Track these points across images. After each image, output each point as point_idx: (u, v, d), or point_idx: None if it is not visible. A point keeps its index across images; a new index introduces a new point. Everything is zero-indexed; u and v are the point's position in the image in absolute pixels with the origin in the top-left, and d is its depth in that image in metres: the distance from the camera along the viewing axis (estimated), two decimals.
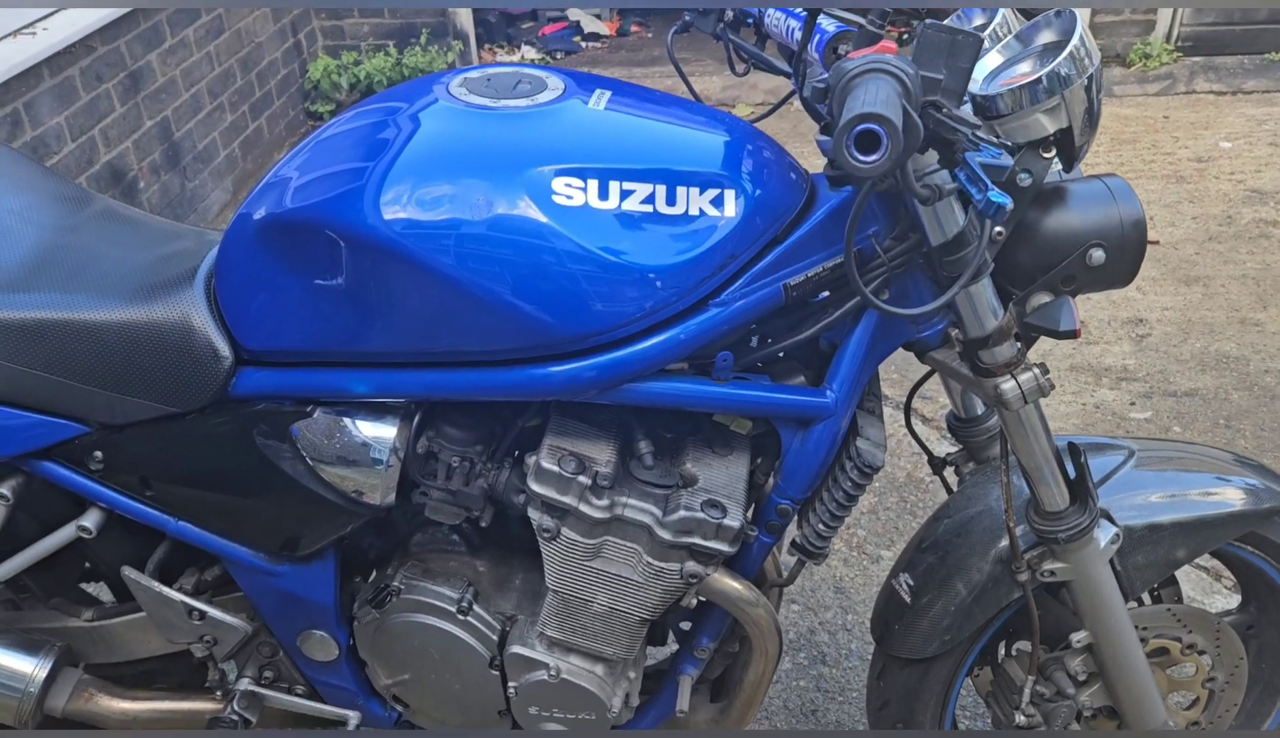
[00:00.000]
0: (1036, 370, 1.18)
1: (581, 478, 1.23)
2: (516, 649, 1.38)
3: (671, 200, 1.14)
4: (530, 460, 1.25)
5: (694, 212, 1.15)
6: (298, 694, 1.57)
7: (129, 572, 1.46)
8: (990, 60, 1.17)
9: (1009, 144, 0.93)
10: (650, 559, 1.27)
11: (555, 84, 1.24)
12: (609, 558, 1.28)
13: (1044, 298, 1.18)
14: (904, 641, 1.46)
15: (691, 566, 1.27)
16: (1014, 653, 1.54)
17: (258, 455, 1.31)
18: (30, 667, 1.52)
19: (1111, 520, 1.34)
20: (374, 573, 1.51)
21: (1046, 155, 1.09)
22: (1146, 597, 1.53)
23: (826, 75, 1.06)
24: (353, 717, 1.55)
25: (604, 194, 1.13)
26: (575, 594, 1.31)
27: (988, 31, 1.22)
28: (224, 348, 1.28)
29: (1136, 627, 1.41)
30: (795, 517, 1.35)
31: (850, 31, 1.02)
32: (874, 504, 2.50)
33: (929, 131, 0.90)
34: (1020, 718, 1.45)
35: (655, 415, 1.30)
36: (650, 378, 1.21)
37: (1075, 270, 1.15)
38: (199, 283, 1.31)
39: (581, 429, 1.28)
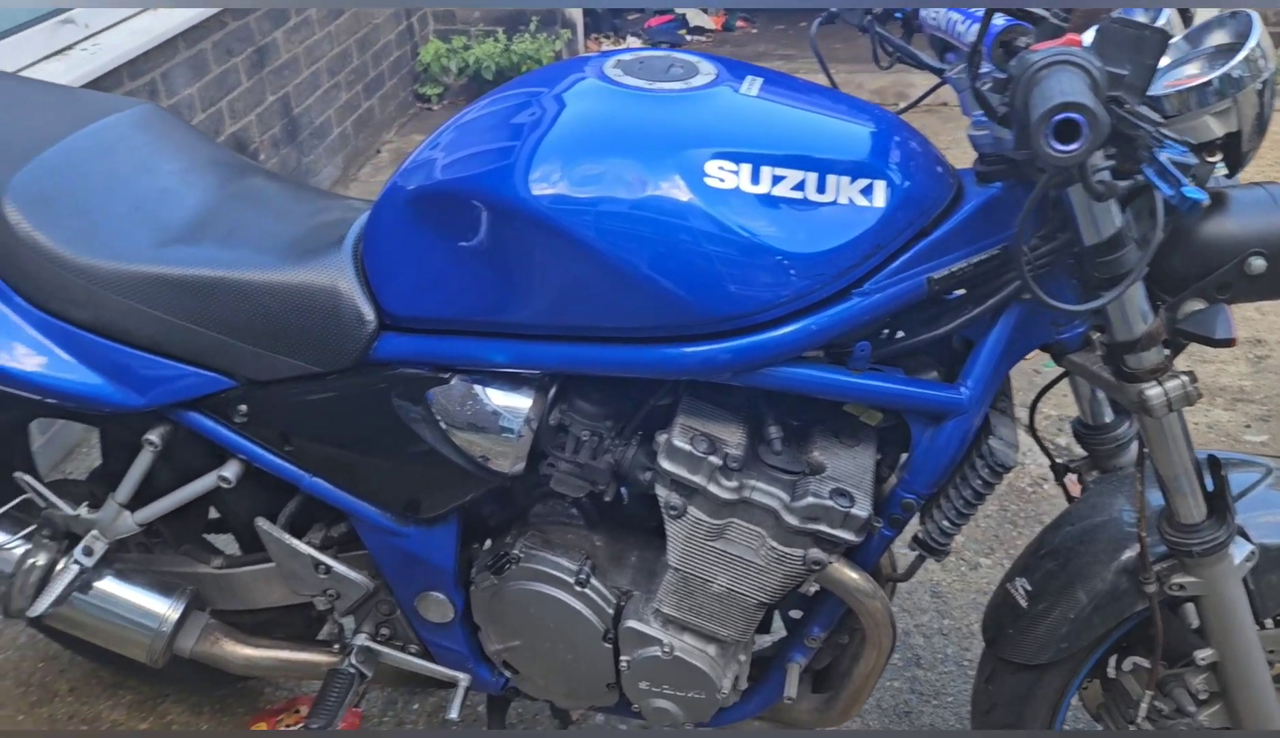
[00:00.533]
0: (1185, 378, 1.16)
1: (712, 458, 1.24)
2: (632, 624, 1.40)
3: (822, 188, 1.15)
4: (661, 438, 1.27)
5: (843, 200, 1.15)
6: (411, 653, 1.61)
7: (262, 523, 1.51)
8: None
9: (1192, 142, 0.92)
10: (774, 543, 1.28)
11: (707, 69, 1.25)
12: (733, 539, 1.29)
13: (1197, 305, 1.15)
14: (1018, 645, 1.45)
15: (815, 553, 1.28)
16: (1128, 668, 1.51)
17: (394, 418, 1.35)
18: (164, 607, 1.59)
19: (1247, 538, 1.31)
20: (491, 541, 1.55)
21: (1211, 160, 1.07)
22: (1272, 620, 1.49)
23: (991, 69, 1.05)
24: (462, 679, 1.59)
25: (756, 179, 1.14)
26: (696, 573, 1.32)
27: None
28: (368, 312, 1.32)
29: (1265, 650, 1.37)
30: (917, 512, 1.34)
31: (1022, 26, 1.01)
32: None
33: (1110, 127, 0.89)
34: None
35: (785, 401, 1.31)
36: (786, 363, 1.22)
37: (1232, 278, 1.13)
38: (347, 249, 1.36)
39: (713, 411, 1.30)
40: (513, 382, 1.31)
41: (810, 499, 1.24)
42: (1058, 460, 1.55)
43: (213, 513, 1.79)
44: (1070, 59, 0.86)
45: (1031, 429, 1.55)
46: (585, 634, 1.44)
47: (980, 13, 1.12)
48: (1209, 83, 1.04)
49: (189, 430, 1.46)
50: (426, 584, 1.50)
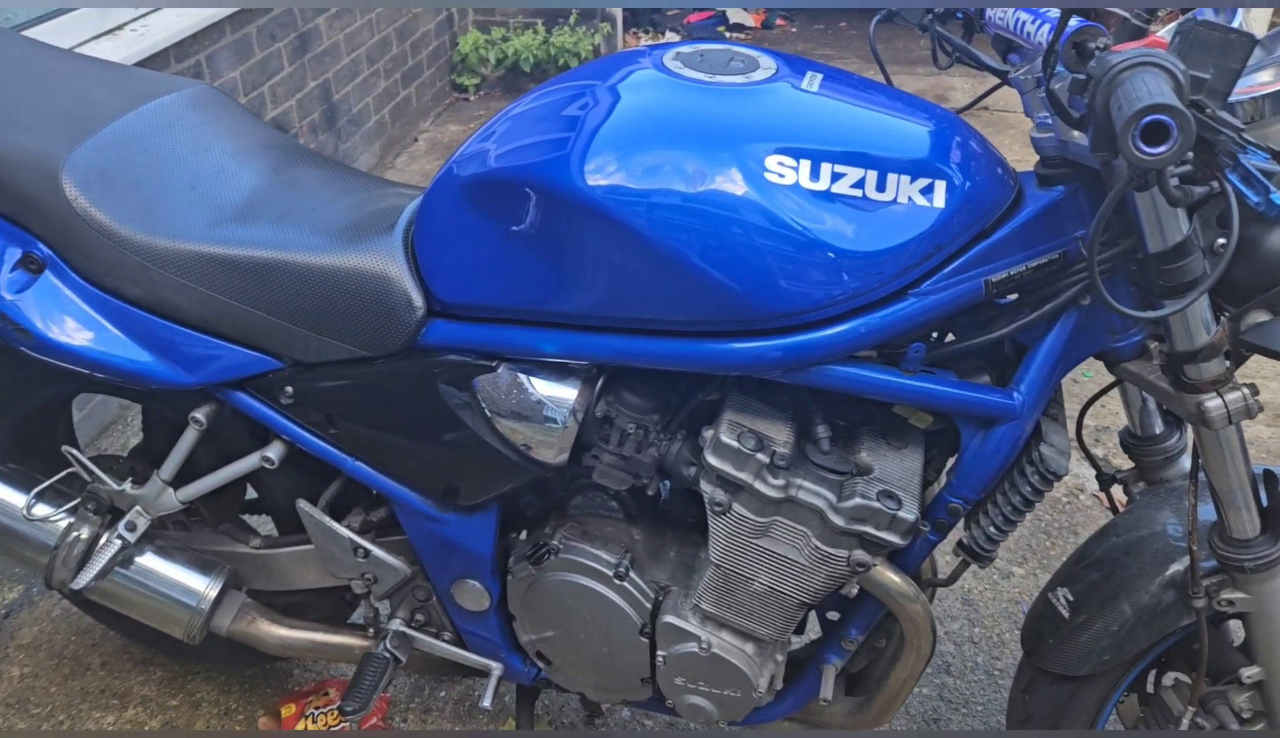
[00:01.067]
0: (1246, 390, 1.14)
1: (760, 456, 1.23)
2: (670, 619, 1.40)
3: (882, 187, 1.14)
4: (708, 434, 1.26)
5: (903, 200, 1.14)
6: (445, 640, 1.62)
7: (304, 505, 1.52)
8: None
9: (1275, 149, 0.90)
10: (819, 544, 1.27)
11: (767, 64, 1.24)
12: (777, 538, 1.29)
13: (1262, 316, 1.13)
14: (1058, 656, 1.43)
15: (859, 554, 1.27)
16: (1169, 683, 1.49)
17: (439, 405, 1.35)
18: (203, 585, 1.60)
19: None
20: (529, 531, 1.55)
21: None
22: None
23: (1061, 71, 1.04)
24: (495, 668, 1.60)
25: (815, 175, 1.13)
26: (738, 570, 1.32)
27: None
28: (418, 298, 1.32)
29: None
30: (963, 517, 1.33)
31: (1096, 27, 1.00)
32: None
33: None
34: None
35: (833, 400, 1.30)
36: (837, 362, 1.21)
37: None
38: (398, 234, 1.36)
39: (760, 408, 1.29)
40: (559, 372, 1.31)
41: (857, 500, 1.23)
42: (1104, 471, 1.53)
43: (250, 494, 1.80)
44: (1155, 61, 0.84)
45: (1079, 438, 1.54)
46: (622, 628, 1.43)
47: (1051, 13, 1.11)
48: None
49: (233, 410, 1.46)
50: (463, 572, 1.50)
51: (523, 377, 1.32)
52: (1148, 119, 0.80)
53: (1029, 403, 1.23)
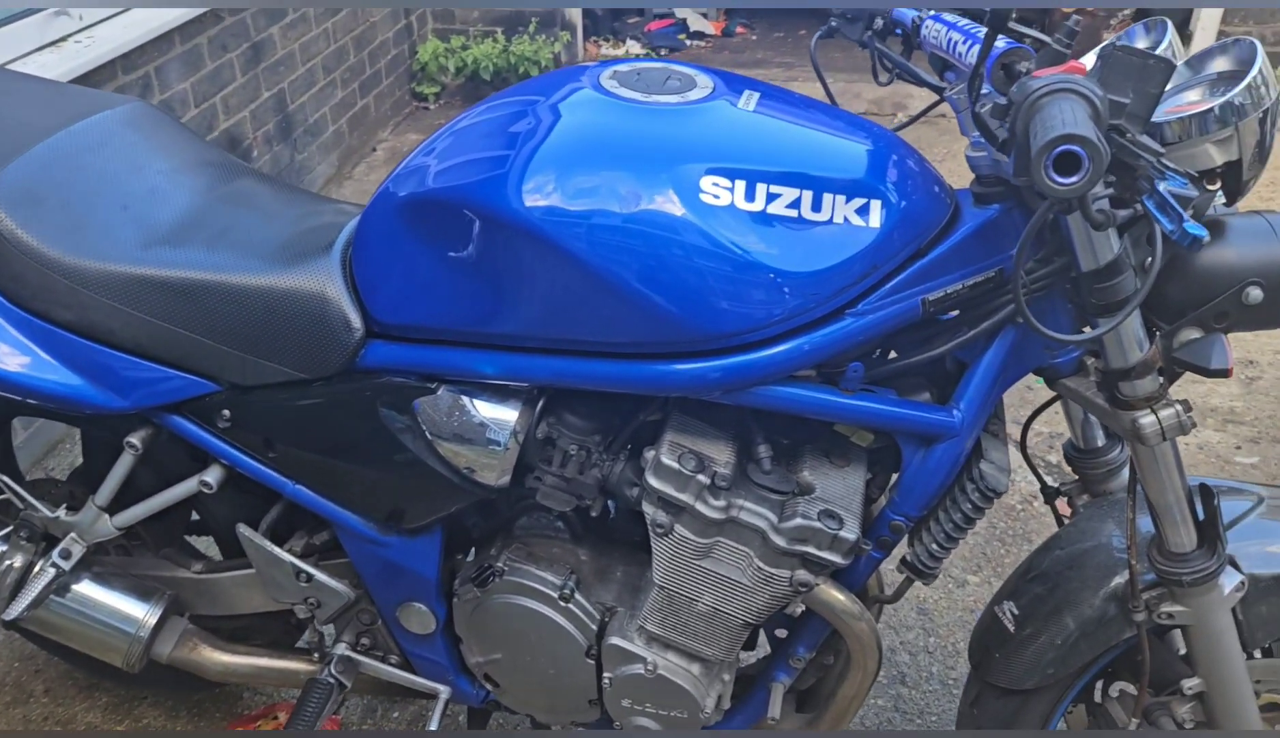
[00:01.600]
0: (1179, 407, 1.15)
1: (700, 477, 1.22)
2: (615, 641, 1.38)
3: (817, 207, 1.13)
4: (649, 455, 1.26)
5: (839, 220, 1.14)
6: (391, 664, 1.60)
7: (244, 529, 1.50)
8: None
9: (1194, 174, 0.91)
10: (761, 564, 1.26)
11: (705, 83, 1.24)
12: (719, 559, 1.28)
13: (1193, 334, 1.14)
14: (1004, 670, 1.43)
15: (802, 574, 1.26)
16: (1114, 694, 1.50)
17: (379, 427, 1.33)
18: (142, 612, 1.57)
19: (1237, 568, 1.30)
20: (475, 552, 1.53)
21: (1211, 188, 1.06)
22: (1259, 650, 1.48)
23: (991, 91, 1.04)
24: (443, 690, 1.58)
25: (750, 196, 1.13)
26: (681, 592, 1.31)
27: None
28: (356, 319, 1.30)
29: (1251, 680, 1.36)
30: (906, 534, 1.33)
31: (1023, 49, 1.00)
32: None
33: (1111, 157, 0.88)
34: None
35: (775, 420, 1.30)
36: (777, 382, 1.21)
37: (1230, 308, 1.11)
38: (336, 255, 1.34)
39: (702, 428, 1.28)
40: (500, 393, 1.30)
41: (799, 521, 1.23)
42: (1048, 482, 1.54)
43: (195, 515, 1.77)
44: (1072, 87, 0.84)
45: (1023, 449, 1.54)
46: (568, 650, 1.42)
47: (982, 34, 1.11)
48: (1210, 110, 1.03)
49: (171, 434, 1.44)
50: (408, 595, 1.48)
51: (463, 398, 1.30)
52: (1059, 149, 0.80)
53: (968, 420, 1.23)
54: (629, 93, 1.21)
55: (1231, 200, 1.11)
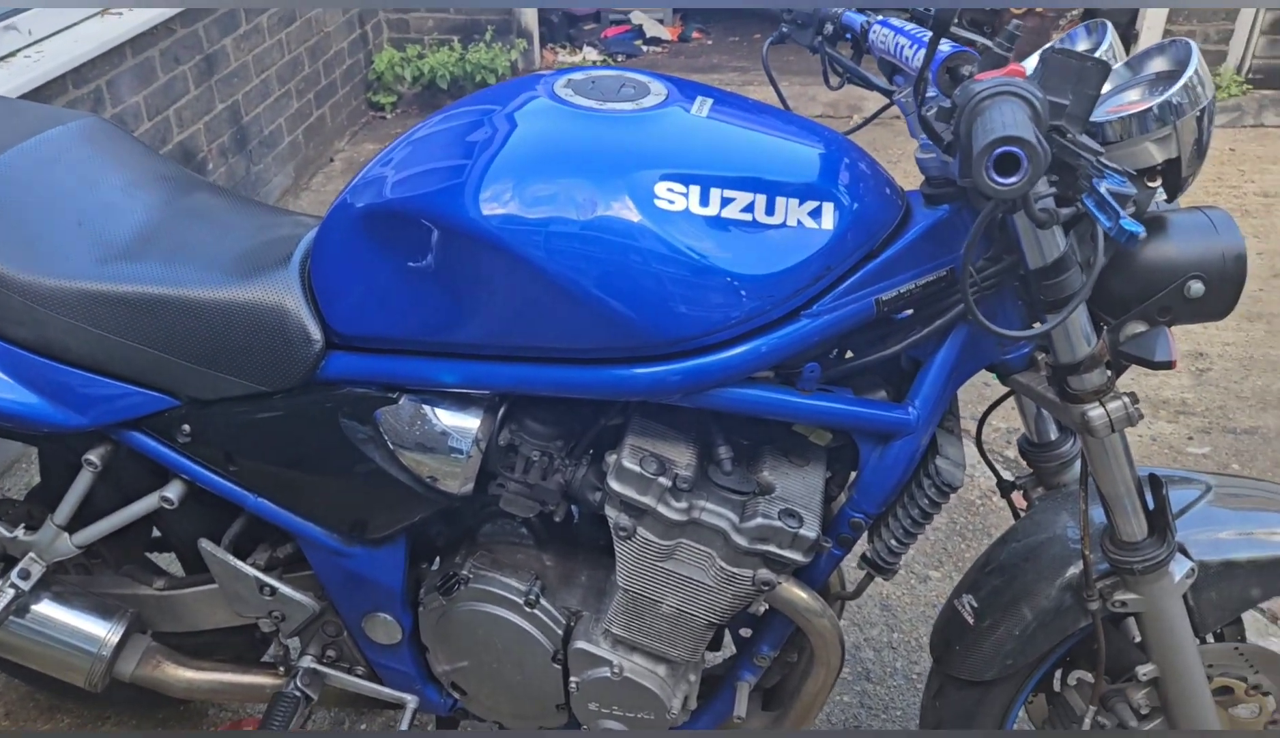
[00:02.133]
0: (1126, 399, 1.18)
1: (662, 479, 1.24)
2: (581, 645, 1.39)
3: (771, 210, 1.15)
4: (611, 459, 1.27)
5: (792, 222, 1.16)
6: (358, 675, 1.59)
7: (206, 544, 1.49)
8: None
9: (1132, 172, 0.93)
10: (723, 564, 1.28)
11: (658, 89, 1.25)
12: (682, 560, 1.29)
13: (1139, 327, 1.17)
14: (964, 662, 1.46)
15: (764, 573, 1.28)
16: (1073, 682, 1.53)
17: (341, 438, 1.33)
18: (103, 631, 1.55)
19: (1187, 555, 1.33)
20: (439, 560, 1.53)
21: (1151, 185, 1.09)
22: (1210, 635, 1.52)
23: (937, 95, 1.07)
24: (410, 700, 1.57)
25: (705, 201, 1.14)
26: (645, 594, 1.32)
27: (1097, 55, 1.22)
28: (315, 331, 1.30)
29: (1204, 664, 1.40)
30: (866, 531, 1.35)
31: (968, 52, 1.03)
32: None
33: (1052, 157, 0.91)
34: None
35: (735, 421, 1.31)
36: (736, 384, 1.22)
37: (1172, 301, 1.15)
38: (294, 266, 1.34)
39: (662, 431, 1.29)
40: (461, 402, 1.30)
41: (759, 520, 1.24)
42: (1004, 477, 1.57)
43: (156, 531, 1.75)
44: (1012, 90, 0.87)
45: (979, 444, 1.57)
46: (534, 655, 1.43)
47: (927, 38, 1.13)
48: (1150, 110, 1.06)
49: (130, 450, 1.43)
50: (373, 605, 1.48)
51: (425, 408, 1.31)
52: (999, 151, 0.82)
53: (923, 417, 1.26)
54: (583, 101, 1.22)
55: (1172, 196, 1.15)
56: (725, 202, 1.15)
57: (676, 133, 1.20)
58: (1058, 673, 1.57)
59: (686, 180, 1.15)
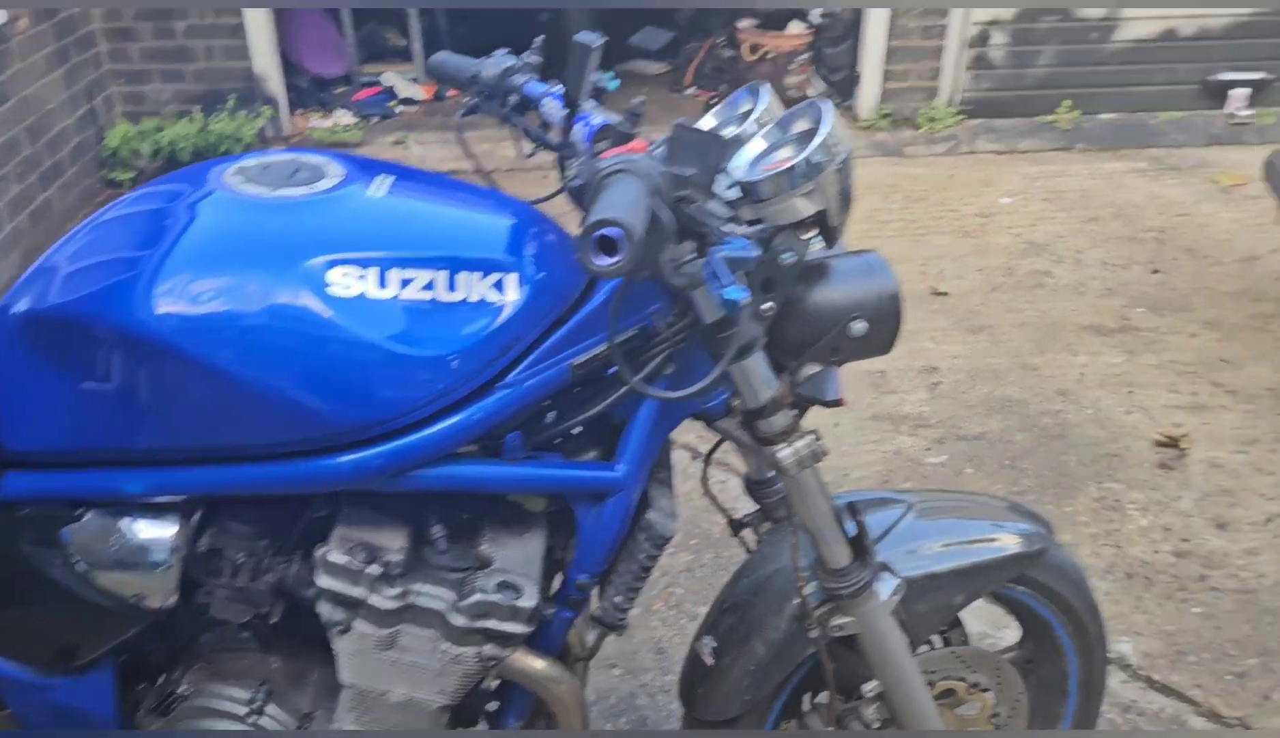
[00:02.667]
0: (810, 437, 1.24)
1: (371, 568, 1.21)
2: None
3: (452, 287, 1.15)
4: (318, 554, 1.22)
5: (475, 298, 1.16)
6: None
7: None
8: (755, 146, 1.24)
9: (763, 233, 0.98)
10: (447, 645, 1.26)
11: (335, 171, 1.23)
12: (405, 647, 1.26)
13: (814, 368, 1.24)
14: (708, 704, 1.49)
15: (489, 649, 1.27)
16: (811, 707, 1.59)
17: (26, 564, 1.24)
18: None
19: (893, 573, 1.41)
20: (166, 676, 1.43)
21: (806, 236, 1.16)
22: (938, 640, 1.61)
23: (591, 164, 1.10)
24: None
25: (383, 283, 1.13)
26: (371, 687, 1.28)
27: (754, 117, 1.29)
28: None
29: (924, 671, 1.48)
30: (596, 589, 1.36)
31: (609, 127, 1.06)
32: (690, 562, 2.55)
33: (683, 224, 0.95)
34: None
35: (449, 499, 1.30)
36: (440, 462, 1.21)
37: (839, 342, 1.22)
38: None
39: (373, 518, 1.26)
40: (153, 511, 1.23)
41: (476, 596, 1.23)
42: (733, 517, 1.62)
43: None
44: (628, 168, 0.90)
45: (705, 487, 1.62)
46: None
47: (589, 111, 1.17)
48: (794, 167, 1.13)
49: None
50: None
51: (114, 521, 1.23)
52: (598, 233, 0.85)
53: (632, 473, 1.28)
54: (253, 189, 1.19)
55: (829, 243, 1.22)
56: (405, 282, 1.14)
57: (351, 215, 1.18)
58: (806, 697, 1.63)
59: (363, 264, 1.13)
